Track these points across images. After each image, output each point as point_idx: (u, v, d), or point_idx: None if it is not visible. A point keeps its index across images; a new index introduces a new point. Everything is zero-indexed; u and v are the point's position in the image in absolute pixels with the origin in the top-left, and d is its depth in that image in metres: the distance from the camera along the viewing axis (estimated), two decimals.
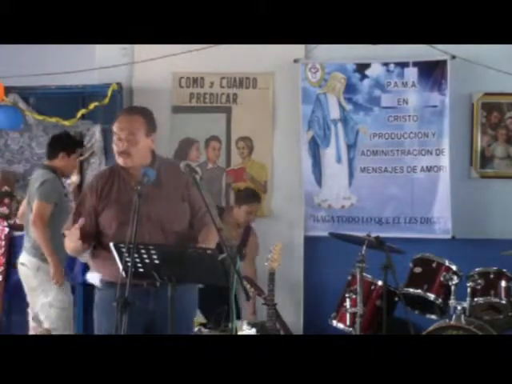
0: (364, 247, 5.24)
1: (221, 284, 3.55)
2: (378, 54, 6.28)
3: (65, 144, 5.70)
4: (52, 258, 5.41)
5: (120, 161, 3.83)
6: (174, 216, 3.82)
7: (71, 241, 3.73)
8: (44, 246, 5.43)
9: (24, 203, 5.79)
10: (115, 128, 3.85)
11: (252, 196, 6.06)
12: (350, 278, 5.53)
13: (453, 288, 5.28)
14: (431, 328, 5.20)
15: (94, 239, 3.83)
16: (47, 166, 5.67)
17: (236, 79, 6.62)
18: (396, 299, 5.40)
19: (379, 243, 5.27)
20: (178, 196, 3.82)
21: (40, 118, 6.52)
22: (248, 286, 5.26)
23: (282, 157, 6.59)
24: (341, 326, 5.45)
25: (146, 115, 3.90)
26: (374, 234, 5.48)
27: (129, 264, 3.39)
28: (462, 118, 6.38)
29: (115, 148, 3.84)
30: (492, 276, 5.43)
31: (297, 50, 6.41)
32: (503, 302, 5.39)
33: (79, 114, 6.46)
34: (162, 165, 3.88)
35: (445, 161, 6.28)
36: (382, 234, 5.75)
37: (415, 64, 6.34)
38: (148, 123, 3.87)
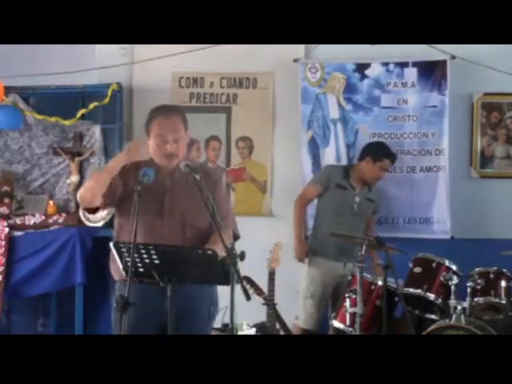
0: (364, 247, 5.24)
1: (221, 284, 3.55)
2: (377, 54, 6.27)
3: (373, 150, 5.94)
4: (296, 236, 5.86)
5: (165, 162, 3.84)
6: (195, 212, 3.84)
7: (95, 180, 3.78)
8: (294, 225, 5.87)
9: None
10: (158, 130, 3.84)
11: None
12: (349, 277, 5.54)
13: (453, 288, 5.29)
14: (431, 328, 5.20)
15: (111, 204, 3.85)
16: (351, 166, 6.10)
17: (236, 79, 6.62)
18: (396, 299, 5.40)
19: (379, 243, 5.27)
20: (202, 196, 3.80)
21: (40, 117, 6.51)
22: (248, 286, 5.26)
23: (282, 157, 6.59)
24: (341, 326, 5.46)
25: (180, 112, 3.96)
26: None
27: (129, 264, 3.41)
28: (461, 118, 6.38)
29: (159, 151, 3.82)
30: (492, 276, 5.43)
31: (297, 49, 6.41)
32: (503, 301, 5.39)
33: (79, 114, 6.45)
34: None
35: (444, 161, 6.27)
36: (382, 234, 5.77)
37: (415, 64, 6.33)
38: (184, 119, 3.93)
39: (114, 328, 3.83)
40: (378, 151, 5.92)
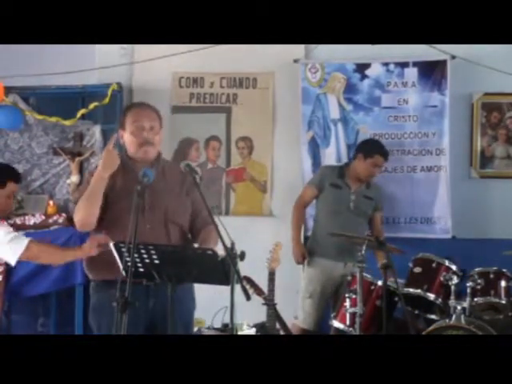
0: (364, 247, 5.24)
1: (221, 284, 3.55)
2: (377, 54, 6.27)
3: (364, 147, 5.97)
4: (293, 239, 5.88)
5: (142, 152, 3.85)
6: (177, 208, 3.87)
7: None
8: (292, 228, 5.91)
9: None
10: (134, 118, 3.87)
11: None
12: (349, 277, 5.53)
13: (453, 288, 5.28)
14: (431, 328, 5.20)
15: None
16: (346, 165, 6.08)
17: (236, 79, 6.62)
18: (396, 299, 5.40)
19: (379, 243, 5.27)
20: (182, 190, 3.88)
21: (40, 117, 6.51)
22: (248, 286, 5.26)
23: (281, 157, 6.59)
24: (341, 326, 5.45)
25: (156, 110, 4.00)
26: None
27: (129, 264, 3.40)
28: (462, 118, 6.38)
29: (134, 139, 3.84)
30: (492, 276, 5.43)
31: (297, 49, 6.41)
32: (503, 301, 5.39)
33: (79, 114, 6.46)
34: (166, 162, 4.04)
35: (445, 161, 6.28)
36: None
37: (415, 64, 6.34)
38: (159, 116, 3.98)
39: (99, 329, 3.82)
40: (369, 148, 5.93)
